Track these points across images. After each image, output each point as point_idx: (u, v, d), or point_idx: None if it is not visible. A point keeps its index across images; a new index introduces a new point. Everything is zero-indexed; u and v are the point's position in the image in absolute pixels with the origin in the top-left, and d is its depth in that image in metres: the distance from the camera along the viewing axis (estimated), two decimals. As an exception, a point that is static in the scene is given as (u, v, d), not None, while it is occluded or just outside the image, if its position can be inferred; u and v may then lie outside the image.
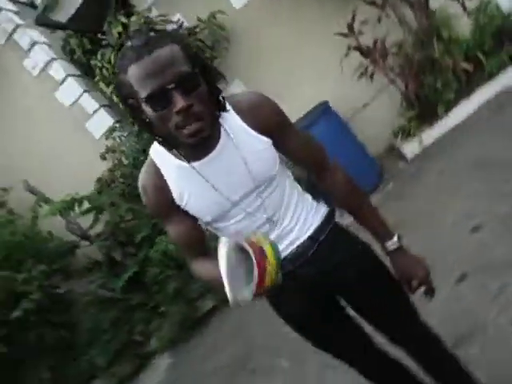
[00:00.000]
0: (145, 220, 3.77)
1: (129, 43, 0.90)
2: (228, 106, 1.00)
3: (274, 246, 0.81)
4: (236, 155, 1.00)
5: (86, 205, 3.41)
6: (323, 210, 1.16)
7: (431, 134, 3.38)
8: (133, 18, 3.29)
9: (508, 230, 2.03)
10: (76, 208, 3.29)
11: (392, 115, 3.61)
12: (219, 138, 0.99)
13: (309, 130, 3.37)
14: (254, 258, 0.74)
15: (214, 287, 1.00)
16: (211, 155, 0.99)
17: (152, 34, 0.92)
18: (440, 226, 2.42)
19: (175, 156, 1.01)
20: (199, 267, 1.09)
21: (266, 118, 1.03)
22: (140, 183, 1.07)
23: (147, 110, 0.90)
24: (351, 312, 1.22)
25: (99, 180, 3.67)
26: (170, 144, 0.98)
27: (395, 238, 1.13)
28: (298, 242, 1.10)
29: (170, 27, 3.36)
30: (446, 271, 2.01)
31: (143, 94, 0.88)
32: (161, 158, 1.03)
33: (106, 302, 3.95)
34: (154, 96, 0.87)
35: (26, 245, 3.62)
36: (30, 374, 3.61)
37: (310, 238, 1.10)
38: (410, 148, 3.41)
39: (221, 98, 0.98)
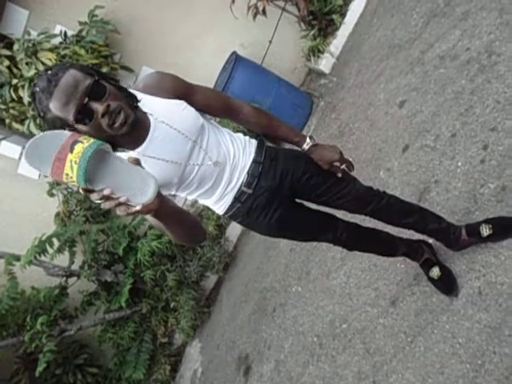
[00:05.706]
0: (119, 233, 3.79)
1: (36, 88, 1.03)
2: (140, 95, 1.18)
3: (91, 145, 0.78)
4: (165, 127, 1.19)
5: (56, 243, 3.37)
6: (254, 140, 1.41)
7: (337, 43, 3.56)
8: (15, 47, 3.15)
9: (425, 94, 2.26)
10: (48, 248, 3.24)
11: (297, 41, 3.75)
12: (149, 122, 1.18)
13: (229, 85, 3.44)
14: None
15: (187, 228, 1.13)
16: (148, 137, 1.18)
17: (49, 71, 1.04)
18: (374, 113, 2.64)
19: (121, 152, 1.16)
20: None
21: (170, 86, 1.24)
22: None
23: (81, 127, 1.06)
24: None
25: (58, 215, 3.61)
26: (113, 145, 1.12)
27: (308, 140, 1.37)
28: (246, 168, 1.34)
29: (56, 41, 3.25)
30: (391, 147, 2.24)
31: (70, 118, 1.04)
32: None
33: (118, 323, 4.00)
34: (78, 115, 1.04)
35: (16, 307, 3.56)
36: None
37: (253, 161, 1.34)
38: (325, 63, 3.58)
39: (130, 91, 1.15)
